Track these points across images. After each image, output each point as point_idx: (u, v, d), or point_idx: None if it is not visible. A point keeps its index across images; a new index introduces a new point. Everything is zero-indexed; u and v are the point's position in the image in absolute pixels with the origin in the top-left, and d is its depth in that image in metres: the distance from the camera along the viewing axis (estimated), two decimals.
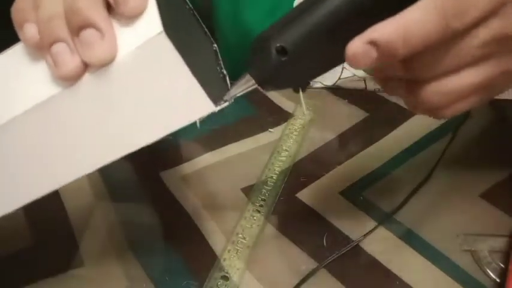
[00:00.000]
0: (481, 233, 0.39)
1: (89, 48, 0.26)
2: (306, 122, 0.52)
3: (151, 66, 0.27)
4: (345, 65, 0.60)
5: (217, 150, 0.48)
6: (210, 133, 0.49)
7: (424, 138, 0.50)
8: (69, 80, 0.26)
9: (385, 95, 0.57)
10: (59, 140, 0.29)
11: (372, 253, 0.38)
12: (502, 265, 0.37)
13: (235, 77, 0.30)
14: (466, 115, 0.52)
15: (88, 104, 0.27)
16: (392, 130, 0.51)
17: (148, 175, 0.46)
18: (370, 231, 0.39)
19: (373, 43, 0.26)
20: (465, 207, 0.42)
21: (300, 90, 0.30)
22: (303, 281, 0.36)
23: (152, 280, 0.37)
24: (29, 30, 0.27)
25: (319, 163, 0.47)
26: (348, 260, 0.38)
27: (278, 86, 0.29)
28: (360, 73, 0.59)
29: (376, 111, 0.54)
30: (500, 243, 0.38)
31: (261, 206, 0.42)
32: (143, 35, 0.26)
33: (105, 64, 0.26)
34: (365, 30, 0.26)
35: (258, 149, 0.49)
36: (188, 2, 0.33)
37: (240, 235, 0.40)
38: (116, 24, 0.27)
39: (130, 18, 0.27)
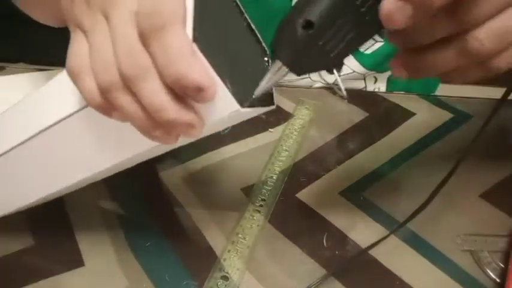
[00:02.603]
0: (481, 233, 0.39)
1: (184, 134, 0.28)
2: (306, 122, 0.52)
3: None
4: (345, 61, 0.60)
5: (217, 150, 0.48)
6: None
7: (424, 138, 0.50)
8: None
9: (385, 95, 0.57)
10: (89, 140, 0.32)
11: (372, 253, 0.38)
12: (502, 265, 0.37)
13: None
14: (467, 115, 0.52)
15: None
16: (392, 130, 0.51)
17: (148, 175, 0.46)
18: (380, 241, 0.38)
19: None
20: (465, 207, 0.42)
21: (335, 71, 0.28)
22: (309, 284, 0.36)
23: (152, 280, 0.37)
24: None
25: (319, 163, 0.47)
26: (348, 260, 0.38)
27: (310, 66, 0.27)
28: (360, 69, 0.59)
29: (376, 111, 0.54)
30: (500, 243, 0.38)
31: (261, 206, 0.42)
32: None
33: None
34: None
35: (258, 149, 0.49)
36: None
37: (240, 235, 0.40)
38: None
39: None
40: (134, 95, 0.27)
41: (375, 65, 0.59)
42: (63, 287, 0.37)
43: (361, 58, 0.58)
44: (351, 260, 0.38)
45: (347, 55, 0.27)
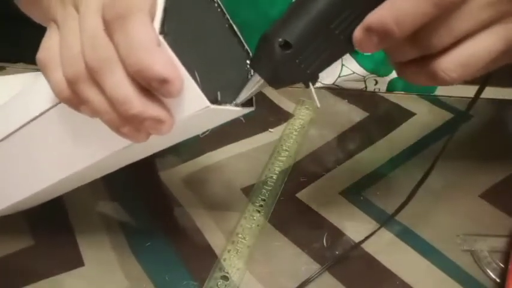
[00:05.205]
0: (481, 233, 0.39)
1: (153, 131, 0.27)
2: (306, 122, 0.52)
3: None
4: (344, 62, 0.61)
5: (217, 150, 0.48)
6: (210, 133, 0.49)
7: (424, 138, 0.50)
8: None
9: (385, 95, 0.57)
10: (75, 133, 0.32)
11: (372, 253, 0.38)
12: (502, 265, 0.37)
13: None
14: (466, 116, 0.52)
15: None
16: (392, 130, 0.51)
17: (148, 175, 0.46)
18: (372, 234, 0.39)
19: (369, 30, 0.26)
20: (465, 207, 0.42)
21: (311, 85, 0.29)
22: (305, 283, 0.36)
23: (152, 280, 0.37)
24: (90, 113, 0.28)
25: (319, 163, 0.47)
26: (349, 261, 0.38)
27: (287, 81, 0.29)
28: (360, 71, 0.59)
29: (375, 111, 0.54)
30: (500, 243, 0.38)
31: (261, 206, 0.42)
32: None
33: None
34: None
35: (258, 149, 0.49)
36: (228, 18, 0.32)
37: (240, 235, 0.40)
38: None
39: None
40: (100, 87, 0.26)
41: (375, 67, 0.59)
42: (63, 287, 0.37)
43: (360, 59, 0.58)
44: (351, 260, 0.38)
45: (323, 70, 0.29)
